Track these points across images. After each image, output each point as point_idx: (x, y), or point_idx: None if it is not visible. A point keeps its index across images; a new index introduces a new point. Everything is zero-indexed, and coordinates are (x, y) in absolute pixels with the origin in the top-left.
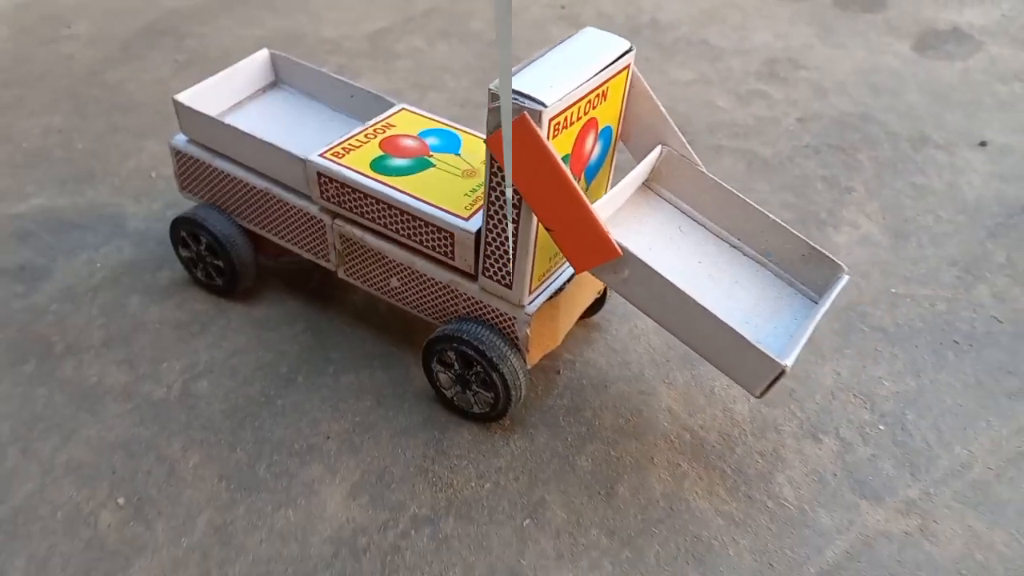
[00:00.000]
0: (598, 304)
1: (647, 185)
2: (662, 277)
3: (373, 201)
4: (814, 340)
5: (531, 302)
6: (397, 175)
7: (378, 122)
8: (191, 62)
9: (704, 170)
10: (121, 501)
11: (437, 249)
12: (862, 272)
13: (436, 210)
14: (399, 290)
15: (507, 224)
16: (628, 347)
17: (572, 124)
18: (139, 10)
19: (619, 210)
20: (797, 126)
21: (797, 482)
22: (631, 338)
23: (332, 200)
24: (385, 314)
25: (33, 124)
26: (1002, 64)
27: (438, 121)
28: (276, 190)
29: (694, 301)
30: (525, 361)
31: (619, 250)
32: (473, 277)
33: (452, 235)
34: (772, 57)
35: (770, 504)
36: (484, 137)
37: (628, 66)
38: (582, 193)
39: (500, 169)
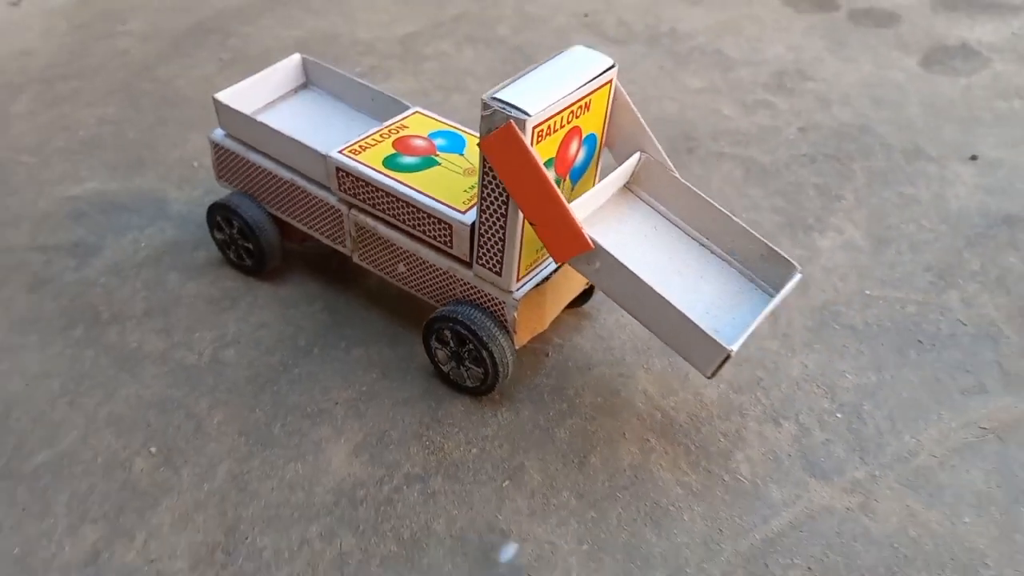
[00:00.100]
0: (587, 294)
1: (628, 188)
2: (627, 269)
3: (384, 194)
4: (787, 334)
5: (519, 288)
6: (406, 171)
7: (393, 123)
8: (234, 60)
9: (678, 176)
10: (153, 450)
11: (438, 239)
12: (841, 275)
13: (437, 204)
14: (405, 275)
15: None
16: (613, 335)
17: (555, 131)
18: (189, 9)
19: (601, 209)
20: (797, 135)
21: (754, 460)
22: (617, 327)
23: (348, 192)
24: (395, 297)
25: (89, 114)
26: (1005, 81)
27: (447, 123)
28: (301, 182)
29: (654, 291)
30: (513, 342)
31: (591, 244)
32: (468, 264)
33: (450, 226)
34: (782, 69)
35: (726, 478)
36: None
37: (611, 81)
38: (559, 193)
39: (491, 169)
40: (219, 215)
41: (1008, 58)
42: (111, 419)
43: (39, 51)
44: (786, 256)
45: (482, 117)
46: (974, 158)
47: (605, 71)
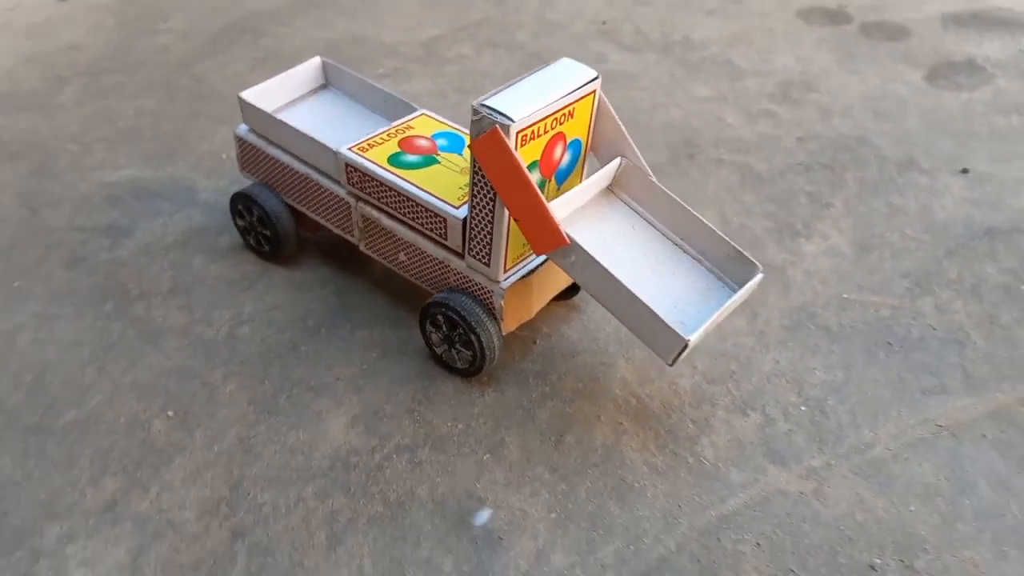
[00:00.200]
0: (575, 287)
1: (611, 190)
2: (599, 263)
3: (387, 189)
4: (764, 332)
5: (506, 279)
6: (408, 169)
7: (400, 124)
8: (266, 59)
9: (655, 180)
10: (170, 414)
11: (434, 231)
12: (822, 278)
13: (434, 199)
14: (405, 263)
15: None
16: (599, 326)
17: (539, 136)
18: (227, 9)
19: (585, 208)
20: (796, 145)
21: (718, 445)
22: (603, 319)
23: (356, 186)
24: (399, 284)
25: (129, 106)
26: (1006, 97)
27: (449, 125)
28: (314, 175)
29: (622, 283)
30: (500, 328)
31: (567, 239)
32: (461, 255)
33: (445, 220)
34: (789, 79)
35: (691, 460)
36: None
37: (594, 91)
38: (539, 192)
39: (480, 169)
40: (241, 204)
41: (1012, 75)
42: (134, 385)
43: (86, 45)
44: (750, 257)
45: (472, 122)
46: (965, 171)
47: (589, 82)
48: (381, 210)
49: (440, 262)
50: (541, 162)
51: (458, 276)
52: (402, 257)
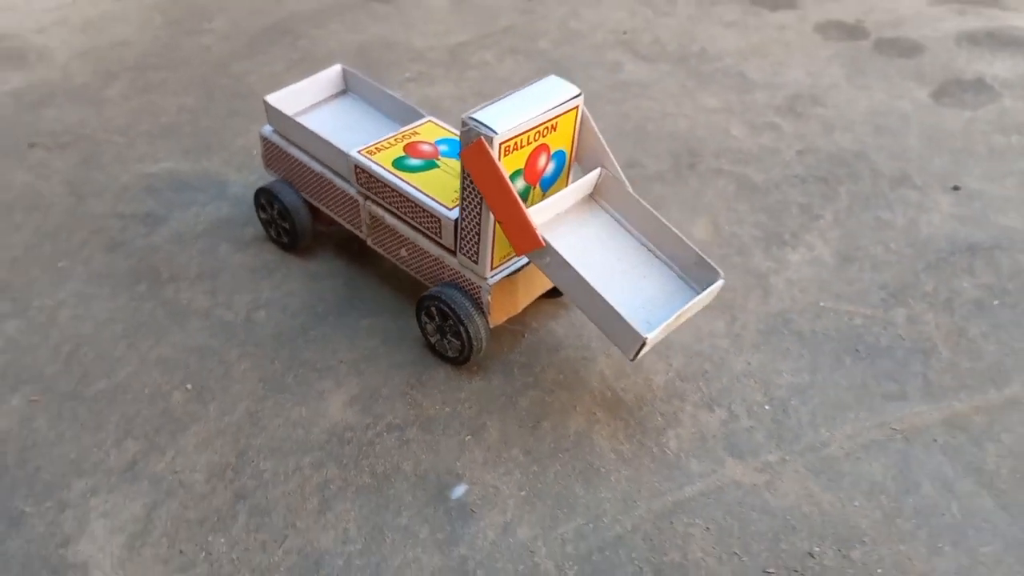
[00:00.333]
0: None
1: (593, 198)
2: (570, 264)
3: (390, 190)
4: (739, 335)
5: (493, 276)
6: (410, 172)
7: (407, 129)
8: (302, 60)
9: (631, 190)
10: (189, 387)
11: (430, 230)
12: (801, 287)
13: (431, 200)
14: (406, 258)
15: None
16: (584, 324)
17: (523, 147)
18: (268, 11)
19: (567, 213)
20: (795, 158)
21: (682, 438)
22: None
23: (364, 186)
24: (403, 278)
25: (171, 102)
26: (1010, 116)
27: (452, 132)
28: (329, 174)
29: (589, 284)
30: (488, 321)
31: (542, 242)
32: (454, 253)
33: (439, 220)
34: (797, 93)
35: (655, 450)
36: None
37: (577, 107)
38: (519, 198)
39: (468, 175)
40: (263, 198)
41: (1018, 94)
42: (159, 360)
43: (135, 42)
44: (712, 264)
45: (461, 132)
46: (956, 188)
47: (571, 99)
48: (385, 209)
49: (435, 258)
50: (525, 170)
51: (451, 272)
52: (403, 253)
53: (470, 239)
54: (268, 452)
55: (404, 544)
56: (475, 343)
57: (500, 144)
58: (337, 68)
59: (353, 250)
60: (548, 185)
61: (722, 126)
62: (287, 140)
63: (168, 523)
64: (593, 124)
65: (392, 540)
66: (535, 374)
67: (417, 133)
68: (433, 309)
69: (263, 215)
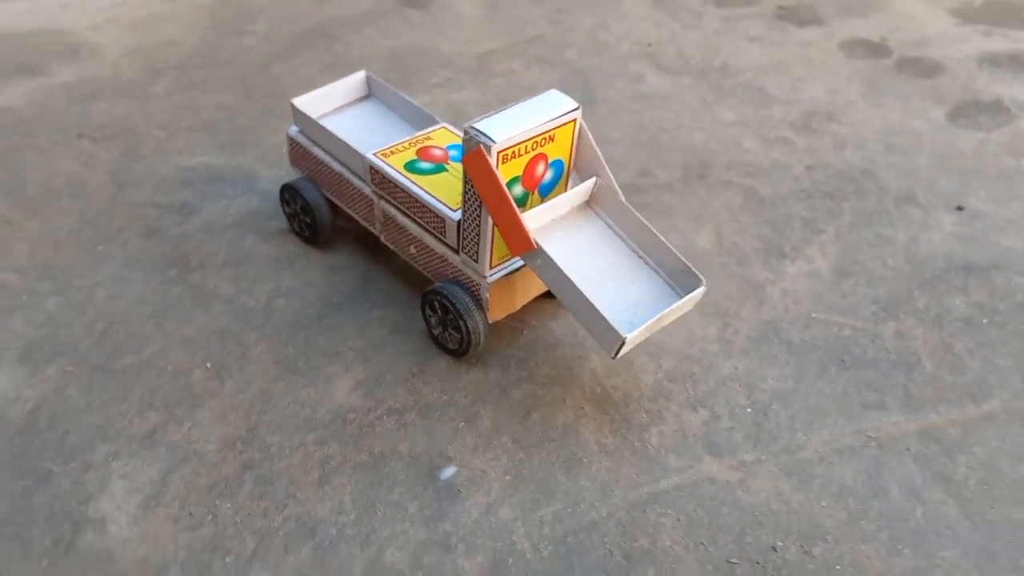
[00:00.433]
0: None
1: (588, 205)
2: (558, 266)
3: (401, 190)
4: (731, 341)
5: (492, 274)
6: (420, 174)
7: (421, 135)
8: (335, 63)
9: (623, 199)
10: (209, 365)
11: (436, 229)
12: (795, 298)
13: (437, 202)
14: (415, 255)
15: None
16: None
17: (520, 156)
18: (308, 15)
19: (563, 219)
20: (803, 172)
21: (664, 434)
22: None
23: (378, 186)
24: (415, 273)
25: (212, 100)
26: (1023, 139)
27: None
28: (347, 174)
29: (576, 286)
30: (486, 316)
31: (534, 244)
32: (456, 251)
33: (444, 221)
34: (813, 109)
35: (637, 444)
36: None
37: (575, 119)
38: (513, 203)
39: (470, 180)
40: (288, 194)
41: None
42: (184, 340)
43: (182, 42)
44: (696, 272)
45: (463, 140)
46: (960, 208)
47: (569, 112)
48: (397, 208)
49: (440, 256)
50: (523, 177)
51: (454, 269)
52: (412, 249)
53: (471, 239)
54: (276, 428)
55: (394, 518)
56: (473, 337)
57: (498, 152)
58: (361, 74)
59: (369, 245)
60: (547, 191)
61: (735, 139)
62: (311, 140)
63: (181, 487)
64: (590, 136)
65: (383, 513)
66: (530, 369)
67: (430, 138)
68: (436, 303)
69: (287, 209)
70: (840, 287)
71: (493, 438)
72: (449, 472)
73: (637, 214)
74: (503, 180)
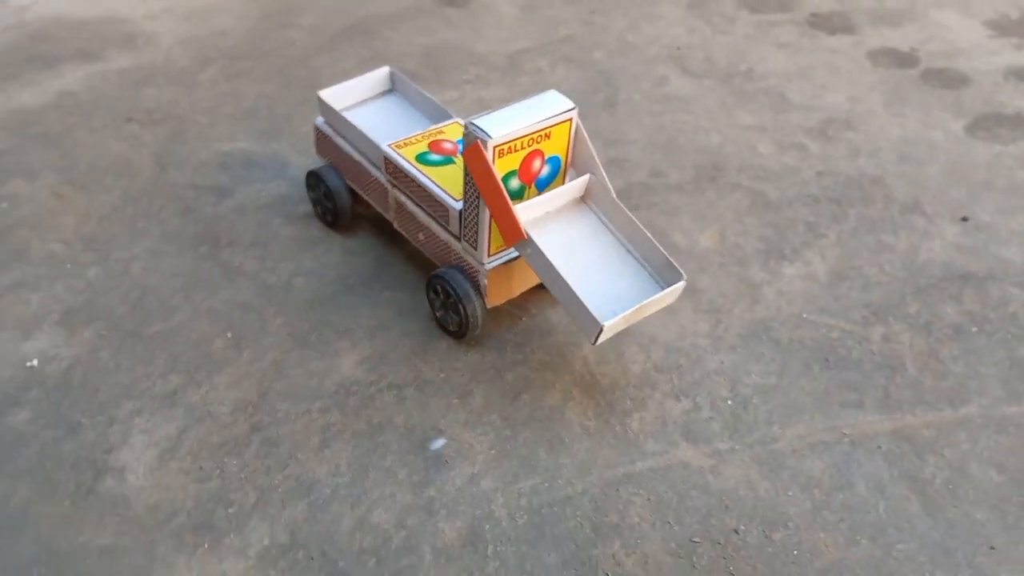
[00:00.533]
0: None
1: (583, 200)
2: (545, 256)
3: (411, 180)
4: (721, 337)
5: (490, 262)
6: (429, 166)
7: (435, 128)
8: (373, 58)
9: (615, 196)
10: (229, 335)
11: (441, 217)
12: (789, 299)
13: (442, 192)
14: (423, 241)
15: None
16: None
17: (516, 151)
18: (351, 11)
19: (558, 212)
20: (813, 178)
21: (645, 421)
22: None
23: (391, 175)
24: (425, 258)
25: (253, 90)
26: None
27: None
28: (365, 163)
29: (560, 275)
30: (484, 301)
31: (524, 234)
32: (459, 239)
33: (448, 210)
34: (832, 117)
35: (618, 429)
36: None
37: (571, 119)
38: (507, 195)
39: (469, 173)
40: (312, 180)
41: None
42: (209, 311)
43: (232, 32)
44: (678, 267)
45: (463, 135)
46: (965, 219)
47: (565, 111)
48: (407, 196)
49: (445, 243)
50: (520, 171)
51: (456, 256)
52: (420, 236)
53: (471, 228)
54: (285, 395)
55: (384, 482)
56: (471, 320)
57: (494, 147)
58: (385, 70)
59: (385, 231)
60: (544, 186)
61: (751, 143)
62: (335, 130)
63: (194, 444)
64: (586, 135)
65: (374, 478)
66: (525, 353)
67: (443, 132)
68: (439, 287)
69: (312, 194)
70: (834, 290)
71: (483, 415)
72: (439, 444)
73: (627, 211)
74: (499, 174)
